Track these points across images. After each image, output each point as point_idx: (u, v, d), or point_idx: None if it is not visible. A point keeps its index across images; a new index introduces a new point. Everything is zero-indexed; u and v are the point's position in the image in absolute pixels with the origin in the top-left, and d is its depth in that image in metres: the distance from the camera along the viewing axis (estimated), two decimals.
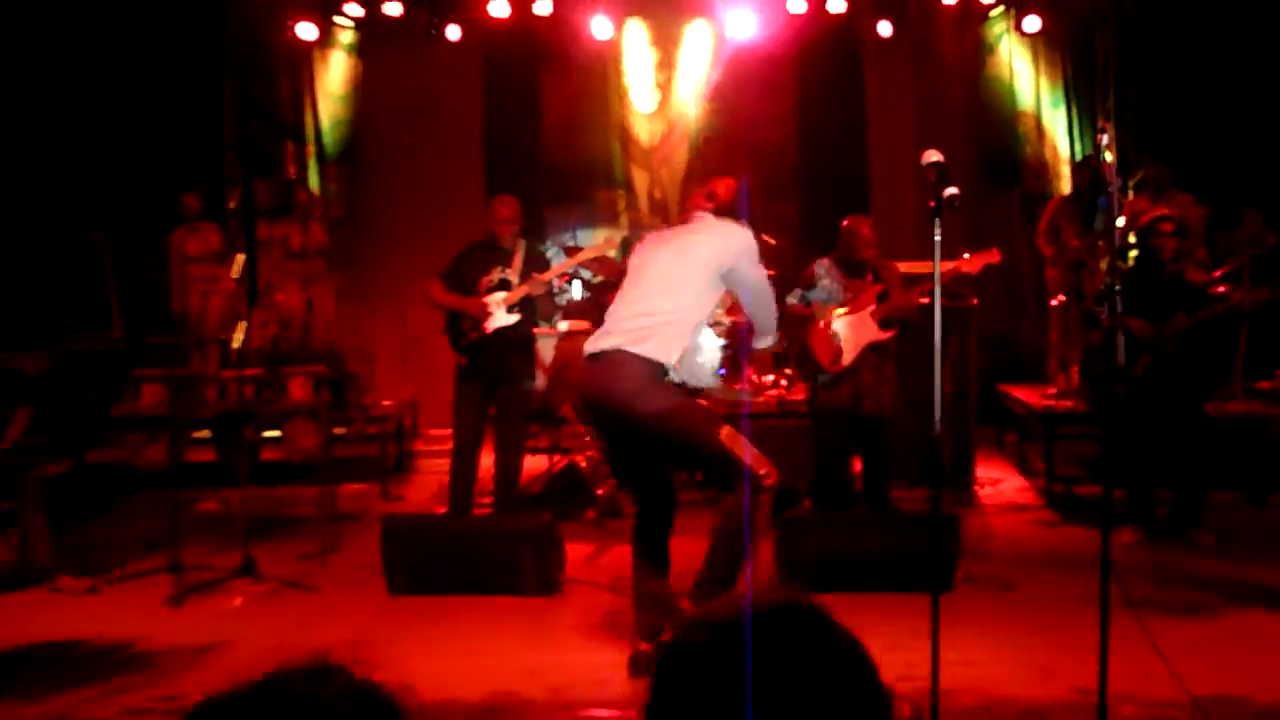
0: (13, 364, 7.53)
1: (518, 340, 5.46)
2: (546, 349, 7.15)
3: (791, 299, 5.27)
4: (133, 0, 8.88)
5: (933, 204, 2.92)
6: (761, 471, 3.63)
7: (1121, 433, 5.04)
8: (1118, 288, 3.16)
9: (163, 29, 9.32)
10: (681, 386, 3.85)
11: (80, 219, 9.29)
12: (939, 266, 2.95)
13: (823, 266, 5.22)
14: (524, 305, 5.39)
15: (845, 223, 5.20)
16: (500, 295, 5.32)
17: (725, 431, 3.66)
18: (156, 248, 8.25)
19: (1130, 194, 8.04)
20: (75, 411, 6.94)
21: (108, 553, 5.10)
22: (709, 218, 3.95)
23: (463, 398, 5.46)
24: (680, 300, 3.73)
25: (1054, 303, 7.55)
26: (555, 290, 7.99)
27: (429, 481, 6.98)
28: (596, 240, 9.41)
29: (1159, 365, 5.24)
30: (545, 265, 5.80)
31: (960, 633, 3.28)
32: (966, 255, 4.88)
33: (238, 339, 8.95)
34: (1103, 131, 3.32)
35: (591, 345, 3.78)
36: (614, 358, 3.65)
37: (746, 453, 3.63)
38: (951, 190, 2.85)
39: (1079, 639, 3.87)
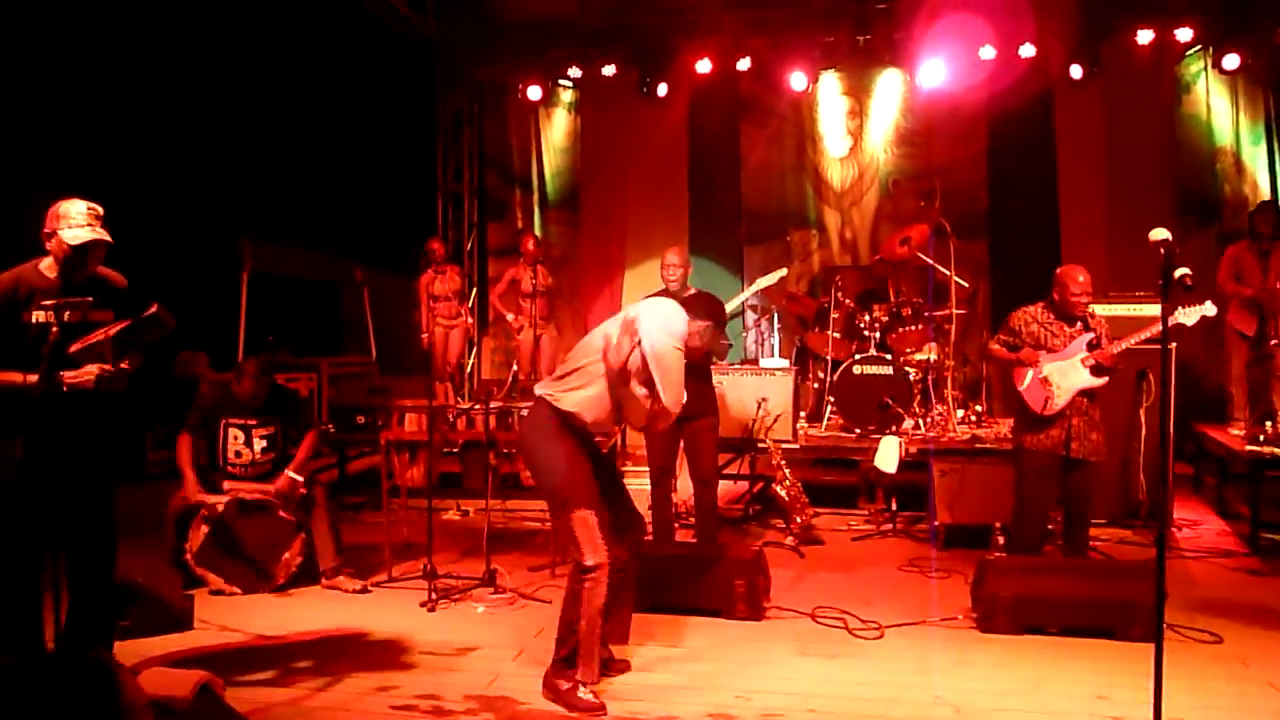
0: (293, 384, 8.21)
1: (701, 376, 5.42)
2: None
3: (994, 345, 5.10)
4: (388, 75, 9.58)
5: (1161, 281, 2.73)
6: (587, 562, 3.54)
7: None
8: None
9: (412, 99, 10.02)
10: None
11: (347, 258, 10.06)
12: (1167, 337, 2.75)
13: (1029, 314, 5.00)
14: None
15: (1059, 270, 4.95)
16: None
17: (578, 514, 3.57)
18: (409, 287, 8.82)
19: None
20: (341, 428, 7.51)
21: (375, 555, 5.46)
22: None
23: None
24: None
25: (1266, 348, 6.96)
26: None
27: (636, 500, 7.10)
28: (790, 277, 9.40)
29: None
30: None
31: (1168, 687, 3.03)
32: (1183, 309, 4.62)
33: (470, 363, 9.47)
34: None
35: None
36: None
37: (584, 537, 3.55)
38: (1183, 271, 2.66)
39: None
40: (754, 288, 6.14)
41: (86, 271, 3.49)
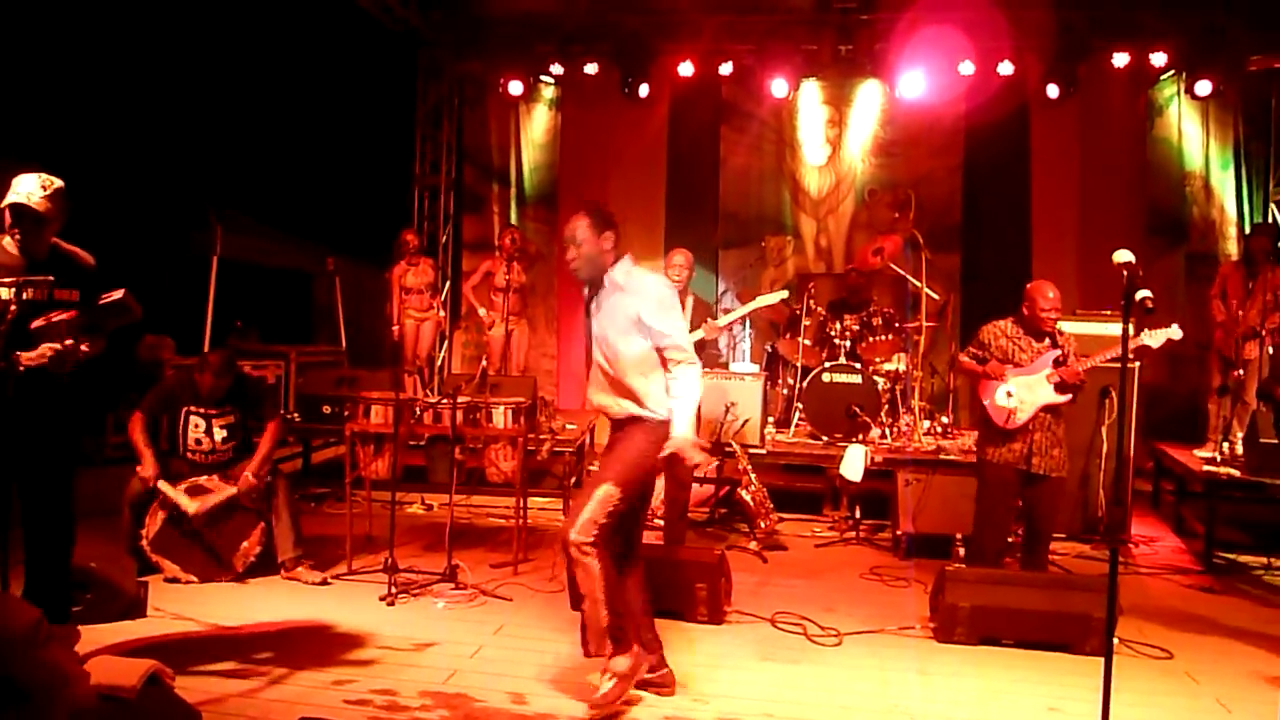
0: (260, 371, 8.11)
1: None
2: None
3: (963, 357, 5.12)
4: (368, 65, 9.49)
5: (1123, 303, 2.75)
6: None
7: None
8: None
9: (392, 90, 9.93)
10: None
11: (320, 246, 9.95)
12: (1127, 355, 2.77)
13: (998, 328, 5.02)
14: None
15: (1030, 286, 4.97)
16: None
17: None
18: (381, 278, 8.75)
19: None
20: (308, 417, 7.42)
21: (336, 547, 5.40)
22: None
23: None
24: None
25: (1230, 378, 7.02)
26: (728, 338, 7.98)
27: None
28: (764, 281, 9.42)
29: None
30: (712, 314, 5.86)
31: (1118, 700, 3.05)
32: (1149, 331, 4.65)
33: (440, 356, 9.40)
34: None
35: None
36: None
37: None
38: (1145, 293, 2.68)
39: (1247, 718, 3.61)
40: (753, 305, 6.13)
41: (40, 244, 3.41)
